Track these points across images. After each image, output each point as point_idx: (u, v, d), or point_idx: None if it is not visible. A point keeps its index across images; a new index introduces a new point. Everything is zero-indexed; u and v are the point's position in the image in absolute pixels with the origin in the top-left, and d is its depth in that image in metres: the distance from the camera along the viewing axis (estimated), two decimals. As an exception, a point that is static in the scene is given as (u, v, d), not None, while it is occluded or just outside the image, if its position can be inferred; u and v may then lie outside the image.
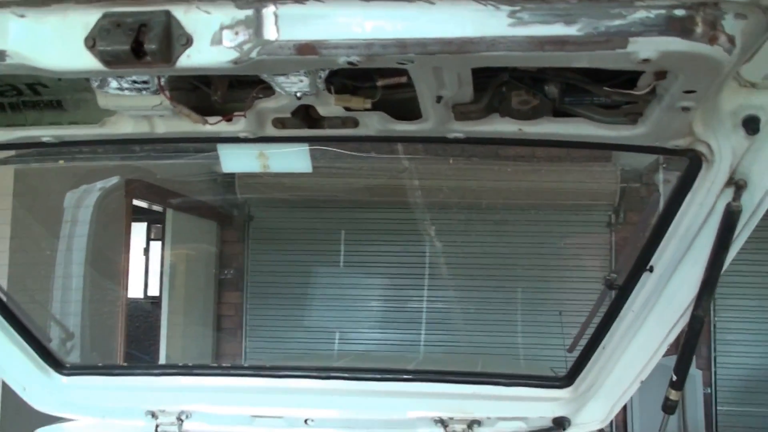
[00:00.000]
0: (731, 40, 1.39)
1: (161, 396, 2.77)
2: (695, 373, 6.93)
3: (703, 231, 2.12)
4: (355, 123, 1.98)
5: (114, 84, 1.83)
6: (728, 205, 2.02)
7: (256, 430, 2.73)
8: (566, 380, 2.60)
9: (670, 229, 2.16)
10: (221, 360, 8.83)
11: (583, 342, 2.56)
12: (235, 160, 2.25)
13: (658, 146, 1.95)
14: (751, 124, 1.87)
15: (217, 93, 1.86)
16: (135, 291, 9.44)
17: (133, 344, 7.17)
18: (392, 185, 7.05)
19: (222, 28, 1.44)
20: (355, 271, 8.57)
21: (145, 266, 9.59)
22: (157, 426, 2.75)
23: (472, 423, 2.64)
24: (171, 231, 7.89)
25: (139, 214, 8.59)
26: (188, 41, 1.45)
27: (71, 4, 1.46)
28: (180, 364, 2.99)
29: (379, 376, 2.74)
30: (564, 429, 2.59)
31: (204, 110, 1.94)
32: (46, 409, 2.81)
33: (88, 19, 1.45)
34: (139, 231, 9.50)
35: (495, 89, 1.81)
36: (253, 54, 1.44)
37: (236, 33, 1.44)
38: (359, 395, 2.73)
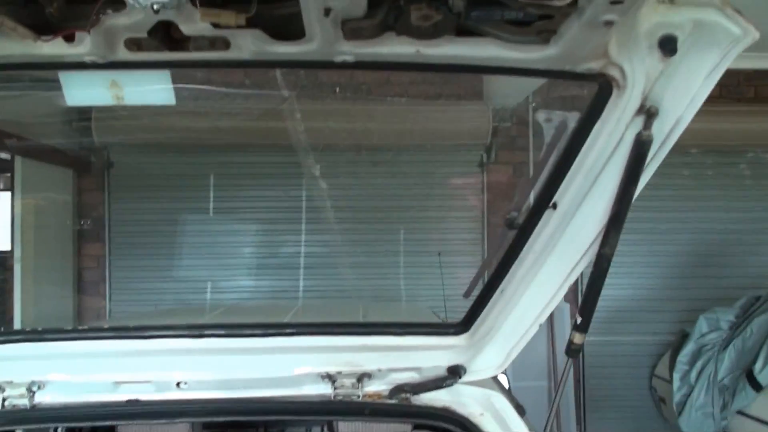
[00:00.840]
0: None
1: (7, 366, 2.42)
2: (563, 306, 7.07)
3: (610, 163, 1.97)
4: (226, 44, 1.70)
5: None
6: (638, 135, 1.88)
7: (121, 396, 2.43)
8: (461, 327, 2.43)
9: (576, 162, 2.00)
10: (83, 317, 8.33)
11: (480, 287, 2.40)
12: (82, 90, 1.91)
13: (568, 70, 1.77)
14: (668, 45, 1.71)
15: (53, 5, 1.52)
16: (-5, 244, 8.71)
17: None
18: (266, 124, 6.72)
19: None
20: (226, 218, 8.20)
21: (-6, 218, 8.85)
22: (3, 400, 2.40)
23: (362, 376, 2.45)
24: (21, 180, 7.23)
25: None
26: None
27: None
28: (28, 329, 2.62)
29: (258, 332, 2.48)
30: (459, 377, 2.43)
31: (42, 29, 1.60)
32: None
33: None
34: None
35: (392, 2, 1.56)
36: None
37: None
38: (237, 353, 2.47)
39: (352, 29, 1.62)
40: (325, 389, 2.45)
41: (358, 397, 2.44)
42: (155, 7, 1.51)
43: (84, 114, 7.64)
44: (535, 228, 2.15)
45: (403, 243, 7.58)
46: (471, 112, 7.15)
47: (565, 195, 2.06)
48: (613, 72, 1.78)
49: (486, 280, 2.36)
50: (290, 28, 1.63)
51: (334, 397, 2.44)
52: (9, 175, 7.44)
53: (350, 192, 7.58)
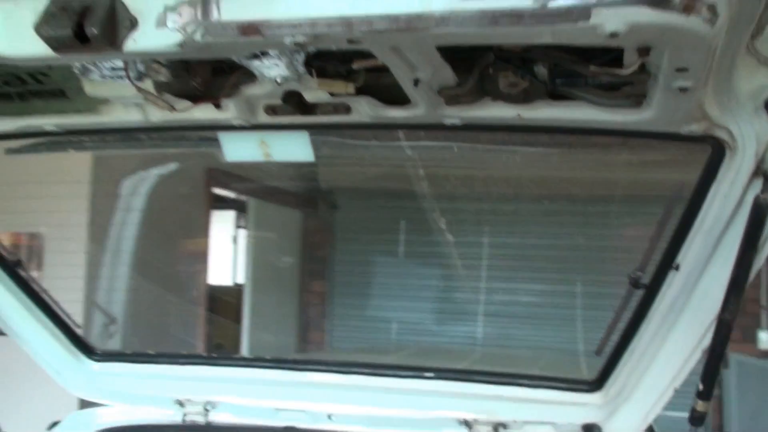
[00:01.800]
0: (712, 9, 1.23)
1: (189, 385, 2.77)
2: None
3: (731, 226, 1.92)
4: (347, 109, 1.90)
5: (95, 71, 1.81)
6: (756, 198, 1.81)
7: (280, 422, 2.69)
8: (596, 384, 2.43)
9: (696, 223, 1.97)
10: (303, 348, 8.93)
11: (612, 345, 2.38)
12: (237, 148, 2.19)
13: (673, 132, 1.77)
14: None
15: (197, 79, 1.81)
16: (223, 278, 9.67)
17: (217, 330, 7.28)
18: (465, 176, 6.91)
19: (166, 10, 1.39)
20: (441, 263, 8.46)
21: (233, 254, 9.80)
22: (184, 415, 2.75)
23: (498, 425, 2.51)
24: (254, 219, 8.00)
25: (225, 203, 8.74)
26: (133, 24, 1.40)
27: None
28: (206, 355, 2.98)
29: (401, 373, 2.65)
30: None
31: (192, 98, 1.90)
32: (80, 394, 2.86)
33: (37, 5, 1.42)
34: (227, 219, 9.69)
35: (481, 71, 1.68)
36: (197, 36, 1.38)
37: (180, 15, 1.38)
38: (382, 392, 2.64)
39: (450, 96, 1.75)
40: None
41: None
42: (278, 80, 1.75)
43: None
44: (660, 289, 2.13)
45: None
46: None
47: (686, 257, 2.03)
48: (721, 134, 1.75)
49: (618, 338, 2.34)
50: (397, 95, 1.80)
51: None
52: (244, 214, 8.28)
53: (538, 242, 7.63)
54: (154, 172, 5.47)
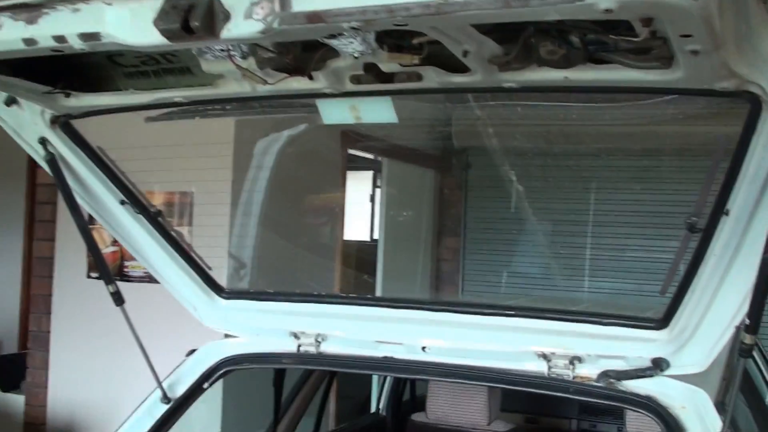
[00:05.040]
0: (693, -16, 1.42)
1: (302, 320, 3.18)
2: None
3: None
4: (419, 77, 2.19)
5: (208, 52, 2.20)
6: None
7: (380, 353, 3.05)
8: (661, 322, 2.62)
9: (741, 172, 2.13)
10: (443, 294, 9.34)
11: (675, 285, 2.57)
12: (332, 113, 2.54)
13: (708, 89, 1.95)
14: None
15: (289, 56, 2.16)
16: (361, 234, 10.22)
17: (350, 281, 7.77)
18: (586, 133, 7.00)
19: (251, 4, 1.72)
20: (567, 219, 8.61)
21: (371, 212, 10.31)
22: (299, 346, 3.18)
23: (574, 359, 2.76)
24: (387, 179, 8.40)
25: (361, 163, 9.20)
26: (227, 17, 1.75)
27: None
28: (315, 293, 3.38)
29: (487, 311, 2.94)
30: (662, 370, 2.62)
31: (288, 71, 2.26)
32: (213, 326, 3.34)
33: (156, 4, 1.79)
34: (365, 179, 10.21)
35: (524, 41, 1.92)
36: (275, 24, 1.71)
37: (261, 8, 1.71)
38: (470, 328, 2.94)
39: (501, 63, 2.01)
40: (540, 367, 2.81)
41: (569, 377, 2.76)
42: (355, 55, 2.07)
43: (446, 120, 8.48)
44: (714, 233, 2.30)
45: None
46: None
47: (735, 203, 2.19)
48: (754, 89, 1.91)
49: (679, 279, 2.52)
50: (457, 64, 2.07)
51: (549, 374, 2.79)
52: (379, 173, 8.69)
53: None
54: (291, 135, 5.93)
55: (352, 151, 7.77)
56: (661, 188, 8.02)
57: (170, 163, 5.88)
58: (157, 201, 6.06)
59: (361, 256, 8.84)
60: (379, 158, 8.72)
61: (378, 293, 8.06)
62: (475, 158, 9.21)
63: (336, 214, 7.27)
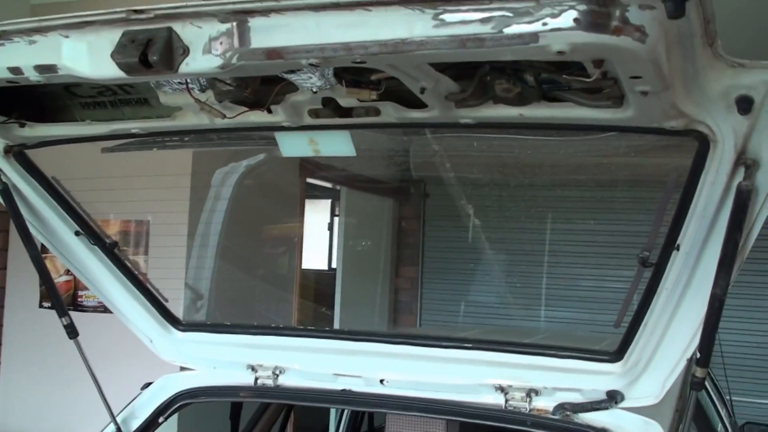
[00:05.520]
0: (640, 29, 1.47)
1: (259, 353, 3.16)
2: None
3: (721, 211, 2.13)
4: (377, 111, 2.21)
5: (166, 85, 2.19)
6: (738, 185, 2.03)
7: (338, 387, 3.04)
8: (616, 355, 2.65)
9: (690, 208, 2.18)
10: (398, 328, 9.34)
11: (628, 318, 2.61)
12: (291, 145, 2.55)
13: (657, 127, 2.00)
14: (744, 104, 1.87)
15: (248, 89, 2.17)
16: (319, 263, 10.21)
17: (309, 311, 7.75)
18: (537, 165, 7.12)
19: (210, 39, 1.73)
20: (526, 249, 8.70)
21: (329, 240, 10.32)
22: (256, 379, 3.14)
23: (531, 391, 2.78)
24: (345, 208, 8.43)
25: (320, 192, 9.22)
26: (185, 51, 1.75)
27: (100, 26, 1.82)
28: (273, 325, 3.37)
29: (444, 344, 2.95)
30: (617, 402, 2.65)
31: (247, 105, 2.26)
32: (169, 359, 3.30)
33: (113, 37, 1.79)
34: (324, 208, 10.23)
35: (479, 79, 1.96)
36: (234, 60, 1.72)
37: (221, 43, 1.73)
38: (429, 360, 2.95)
39: (457, 100, 2.04)
40: (497, 399, 2.83)
41: (526, 410, 2.77)
42: (314, 89, 2.09)
43: (404, 151, 8.53)
44: (665, 268, 2.35)
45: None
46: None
47: (685, 238, 2.24)
48: (701, 128, 1.96)
49: (632, 313, 2.57)
50: (414, 100, 2.10)
51: (506, 407, 2.81)
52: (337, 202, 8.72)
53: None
54: (250, 164, 5.91)
55: (310, 180, 7.79)
56: (615, 218, 8.19)
57: (126, 192, 5.84)
58: (113, 230, 6.00)
59: (319, 285, 8.82)
60: (338, 187, 8.75)
61: (336, 321, 8.04)
62: (433, 188, 9.29)
63: (294, 244, 7.26)
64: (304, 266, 7.60)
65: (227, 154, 5.74)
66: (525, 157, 7.10)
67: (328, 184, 9.00)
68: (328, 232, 10.37)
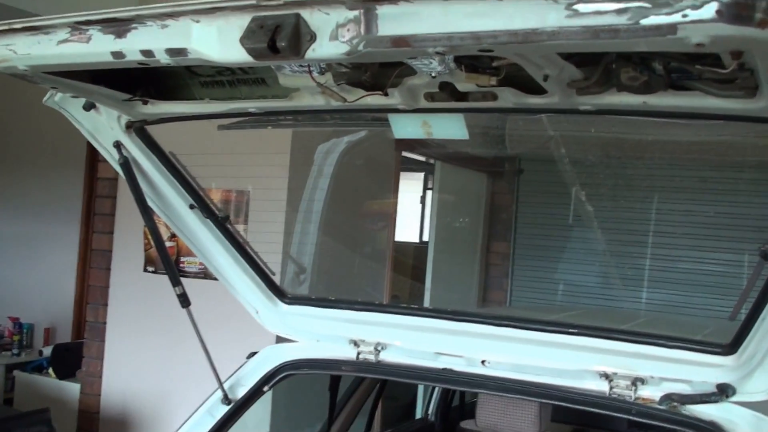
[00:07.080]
0: (788, 23, 1.41)
1: (362, 328, 3.21)
2: None
3: None
4: (494, 96, 2.20)
5: (286, 68, 2.23)
6: None
7: (439, 365, 3.07)
8: (729, 348, 2.59)
9: None
10: (489, 305, 9.31)
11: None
12: (403, 128, 2.56)
13: None
14: None
15: (367, 73, 2.19)
16: (411, 236, 10.24)
17: (401, 283, 7.79)
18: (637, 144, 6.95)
19: (337, 26, 1.75)
20: (620, 228, 8.51)
21: (421, 214, 10.34)
22: (358, 353, 3.20)
23: (636, 380, 2.74)
24: (439, 181, 8.41)
25: (414, 165, 9.21)
26: (312, 38, 1.77)
27: (230, 12, 1.86)
28: (377, 302, 3.41)
29: (548, 328, 2.94)
30: (727, 396, 2.59)
31: (364, 88, 2.28)
32: (275, 330, 3.40)
33: (242, 22, 1.83)
34: (416, 181, 10.22)
35: (605, 67, 1.92)
36: (360, 47, 1.74)
37: (348, 30, 1.74)
38: (531, 344, 2.94)
39: (580, 87, 2.01)
40: (601, 386, 2.80)
41: (631, 398, 2.74)
42: (433, 74, 2.09)
43: (499, 125, 8.45)
44: None
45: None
46: None
47: None
48: None
49: (750, 306, 2.49)
50: (536, 85, 2.08)
51: (610, 394, 2.78)
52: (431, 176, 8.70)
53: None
54: (350, 141, 5.97)
55: (405, 154, 7.80)
56: (733, 200, 7.83)
57: (230, 168, 5.96)
58: (215, 198, 6.16)
59: (412, 258, 8.86)
60: (431, 161, 8.73)
61: (427, 294, 8.06)
62: (528, 163, 9.16)
63: (389, 217, 7.30)
64: (396, 239, 7.63)
65: (326, 132, 5.81)
66: (628, 138, 6.94)
67: (422, 158, 8.98)
68: (420, 206, 10.38)
